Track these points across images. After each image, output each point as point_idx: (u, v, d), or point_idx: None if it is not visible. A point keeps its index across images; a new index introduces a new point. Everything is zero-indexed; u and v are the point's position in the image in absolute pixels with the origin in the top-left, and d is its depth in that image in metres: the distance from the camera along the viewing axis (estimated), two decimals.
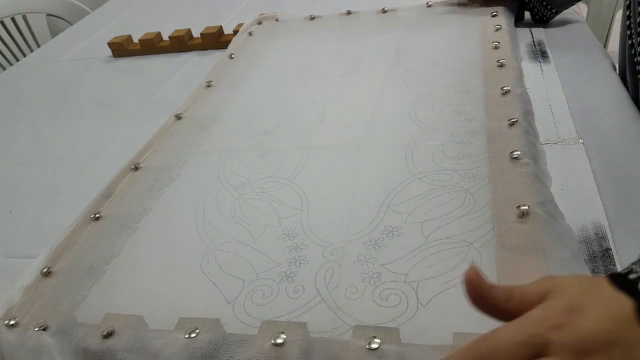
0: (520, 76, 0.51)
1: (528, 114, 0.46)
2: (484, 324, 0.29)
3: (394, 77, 0.57)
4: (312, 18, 0.75)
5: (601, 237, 0.35)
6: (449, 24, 0.66)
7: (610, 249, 0.34)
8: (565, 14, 0.65)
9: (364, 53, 0.63)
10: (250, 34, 0.75)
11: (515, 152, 0.40)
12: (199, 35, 0.79)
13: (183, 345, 0.31)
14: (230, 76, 0.65)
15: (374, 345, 0.29)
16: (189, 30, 0.80)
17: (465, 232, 0.36)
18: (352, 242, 0.37)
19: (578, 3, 0.64)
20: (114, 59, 0.83)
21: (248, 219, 0.42)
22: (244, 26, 0.77)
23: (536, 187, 0.37)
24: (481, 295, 0.24)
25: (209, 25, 0.79)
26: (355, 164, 0.45)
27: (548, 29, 0.63)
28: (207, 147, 0.52)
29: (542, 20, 0.65)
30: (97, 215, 0.45)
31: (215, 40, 0.78)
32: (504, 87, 0.48)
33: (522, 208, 0.35)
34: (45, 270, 0.40)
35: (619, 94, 0.50)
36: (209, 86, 0.63)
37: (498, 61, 0.53)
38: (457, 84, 0.53)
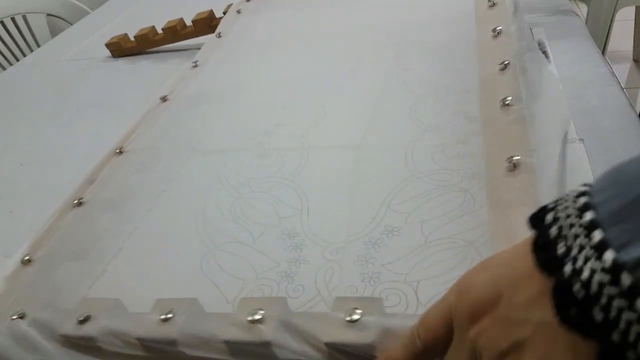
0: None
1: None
2: None
3: (394, 76, 0.57)
4: None
5: None
6: (447, 11, 0.65)
7: None
8: (565, 14, 0.65)
9: (363, 51, 0.63)
10: (238, 12, 0.76)
11: (508, 99, 0.39)
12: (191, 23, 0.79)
13: (158, 327, 0.31)
14: (217, 55, 0.65)
15: (355, 317, 0.28)
16: (182, 19, 0.80)
17: (465, 231, 0.36)
18: (352, 242, 0.37)
19: (578, 3, 0.64)
20: (113, 59, 0.83)
21: (248, 219, 0.42)
22: (233, 5, 0.78)
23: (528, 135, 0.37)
24: None
25: (199, 11, 0.79)
26: (355, 164, 0.45)
27: (548, 30, 0.63)
28: (207, 147, 0.52)
29: None
30: (80, 201, 0.44)
31: (207, 25, 0.78)
32: (503, 62, 0.48)
33: (514, 159, 0.35)
34: (26, 258, 0.39)
35: (618, 94, 0.50)
36: (195, 66, 0.63)
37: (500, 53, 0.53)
38: (458, 83, 0.53)
